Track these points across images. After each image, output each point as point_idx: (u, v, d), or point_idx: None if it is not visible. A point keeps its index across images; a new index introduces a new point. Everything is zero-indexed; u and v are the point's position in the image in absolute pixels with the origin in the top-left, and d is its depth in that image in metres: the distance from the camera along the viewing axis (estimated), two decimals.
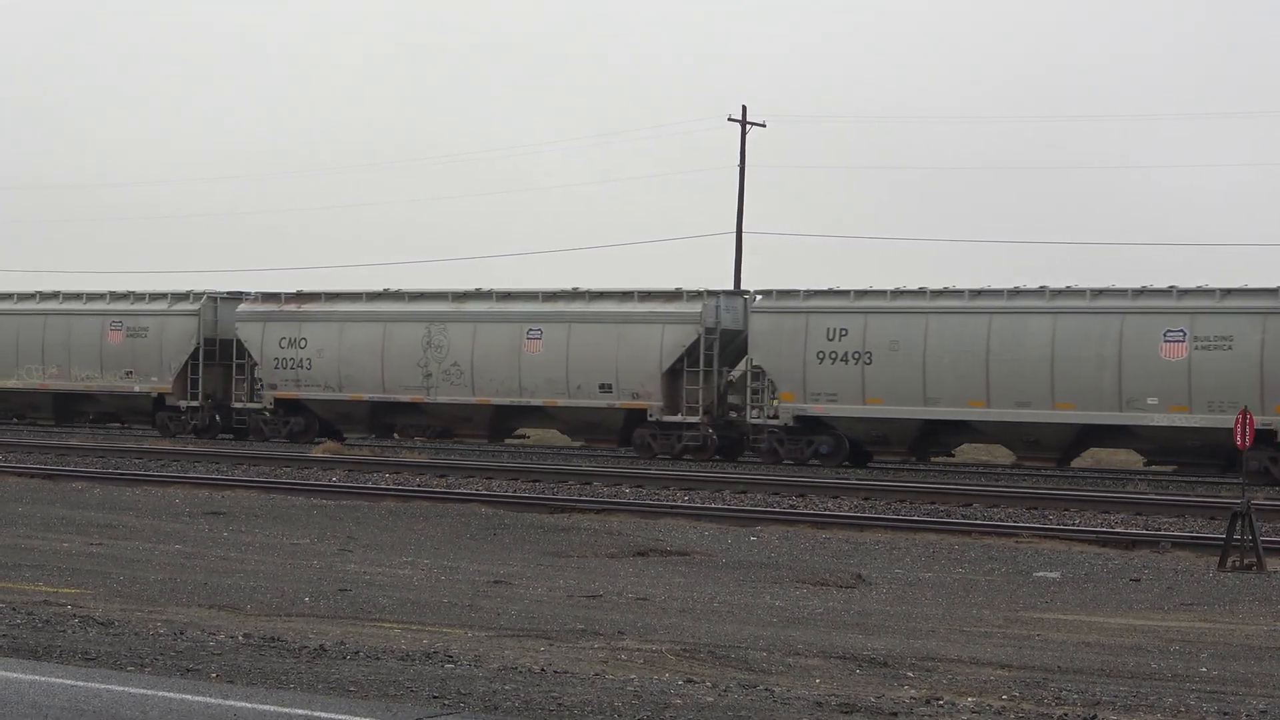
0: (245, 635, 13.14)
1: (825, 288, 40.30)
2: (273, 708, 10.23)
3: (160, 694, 10.61)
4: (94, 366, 49.69)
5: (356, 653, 12.33)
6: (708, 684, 11.37)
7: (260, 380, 47.22)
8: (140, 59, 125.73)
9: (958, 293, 38.89)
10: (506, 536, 23.99)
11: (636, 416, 41.90)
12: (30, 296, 51.64)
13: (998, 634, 15.18)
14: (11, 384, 51.33)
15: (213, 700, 10.44)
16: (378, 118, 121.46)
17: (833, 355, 39.54)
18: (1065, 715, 10.53)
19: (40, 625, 13.48)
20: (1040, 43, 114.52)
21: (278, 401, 46.73)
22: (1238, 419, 23.10)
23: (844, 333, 39.50)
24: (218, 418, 48.17)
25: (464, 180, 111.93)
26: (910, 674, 12.28)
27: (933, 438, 40.02)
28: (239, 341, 47.41)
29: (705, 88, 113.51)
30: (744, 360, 42.05)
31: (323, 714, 10.06)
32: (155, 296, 49.32)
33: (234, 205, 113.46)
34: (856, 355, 39.31)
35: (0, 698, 10.41)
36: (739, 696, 10.91)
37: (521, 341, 43.11)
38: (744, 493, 30.58)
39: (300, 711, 10.12)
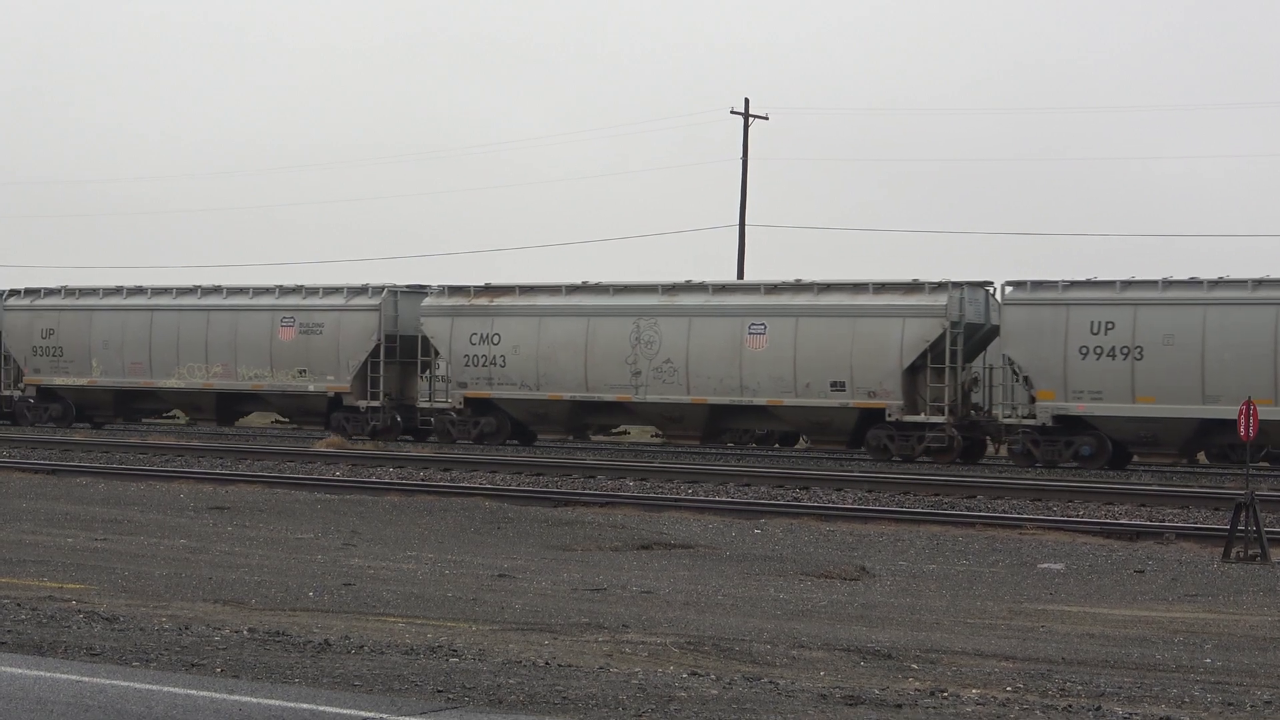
0: (250, 630, 13.15)
1: (1084, 278, 37.90)
2: (277, 702, 10.23)
3: (165, 689, 10.62)
4: (263, 365, 47.25)
5: (361, 647, 12.34)
6: (712, 677, 11.37)
7: (448, 379, 44.61)
8: (138, 55, 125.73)
9: (1239, 283, 36.42)
10: (510, 530, 23.99)
11: (871, 416, 39.52)
12: (190, 291, 49.36)
13: (1002, 626, 15.18)
14: (172, 384, 48.78)
15: (218, 695, 10.45)
16: (379, 111, 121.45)
17: (1097, 350, 37.15)
18: (1070, 707, 10.53)
19: (44, 621, 13.49)
20: (1042, 34, 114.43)
21: (467, 401, 43.95)
22: (1241, 410, 23.07)
23: (1110, 326, 37.08)
24: (398, 418, 45.84)
25: (466, 174, 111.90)
26: (915, 666, 12.29)
27: (1207, 438, 37.95)
28: (424, 338, 44.90)
29: (707, 81, 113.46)
30: (980, 356, 40.03)
31: (327, 708, 10.06)
32: (330, 290, 46.97)
33: (234, 200, 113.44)
34: (1125, 350, 36.94)
35: (5, 694, 10.42)
36: (743, 689, 10.91)
37: (743, 337, 40.43)
38: (748, 485, 30.59)
39: (305, 706, 10.13)
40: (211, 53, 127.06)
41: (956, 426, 38.83)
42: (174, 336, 48.67)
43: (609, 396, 42.08)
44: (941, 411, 38.72)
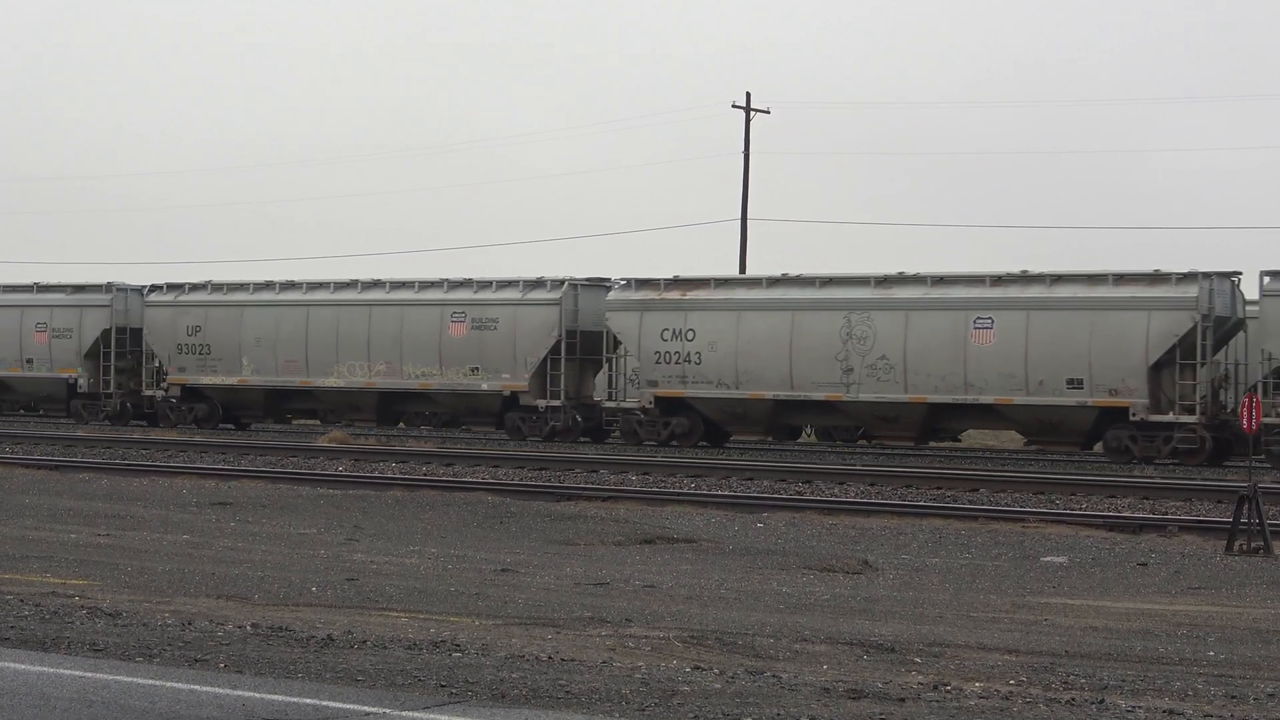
0: (253, 625, 13.16)
1: None
2: (281, 697, 10.24)
3: (168, 684, 10.62)
4: (431, 363, 44.80)
5: (364, 642, 12.34)
6: (715, 671, 11.38)
7: (635, 376, 41.99)
8: (138, 54, 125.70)
9: None
10: (513, 525, 24.00)
11: (1109, 416, 37.27)
12: (349, 285, 46.82)
13: (1005, 619, 15.18)
14: (330, 382, 46.29)
15: (221, 690, 10.45)
16: (379, 109, 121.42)
17: None
18: (1073, 700, 10.53)
19: (48, 616, 13.50)
20: (1046, 27, 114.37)
21: (657, 400, 41.43)
22: (1244, 403, 23.06)
23: None
24: (579, 418, 43.46)
25: (466, 170, 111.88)
26: (917, 660, 12.29)
27: None
28: (609, 333, 42.56)
29: (708, 75, 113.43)
30: (1222, 351, 37.63)
31: (331, 703, 10.07)
32: (503, 284, 44.53)
33: (233, 196, 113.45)
34: None
35: (9, 689, 10.42)
36: (746, 683, 10.92)
37: (968, 331, 38.10)
38: (750, 479, 30.59)
39: (308, 701, 10.13)
40: (211, 52, 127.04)
41: (1206, 427, 36.58)
42: (333, 333, 46.27)
43: (817, 395, 39.62)
44: (1191, 410, 36.53)
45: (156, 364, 49.78)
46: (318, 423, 51.01)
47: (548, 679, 10.88)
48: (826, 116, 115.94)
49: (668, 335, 41.38)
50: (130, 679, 10.80)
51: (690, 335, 41.09)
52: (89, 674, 10.98)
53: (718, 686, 10.77)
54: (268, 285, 48.22)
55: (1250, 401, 22.96)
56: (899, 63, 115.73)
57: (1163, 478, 31.74)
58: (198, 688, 10.53)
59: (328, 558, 19.46)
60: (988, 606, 16.18)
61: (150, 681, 10.72)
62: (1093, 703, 10.45)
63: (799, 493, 28.61)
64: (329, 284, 47.18)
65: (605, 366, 43.49)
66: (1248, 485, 21.03)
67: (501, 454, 36.11)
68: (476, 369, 44.30)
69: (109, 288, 50.70)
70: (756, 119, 63.14)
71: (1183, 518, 24.18)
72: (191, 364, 48.81)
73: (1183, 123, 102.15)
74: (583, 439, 43.32)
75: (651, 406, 41.54)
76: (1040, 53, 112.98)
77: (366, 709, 9.93)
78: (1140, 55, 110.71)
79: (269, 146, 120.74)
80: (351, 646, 12.16)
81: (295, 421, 52.17)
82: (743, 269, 60.38)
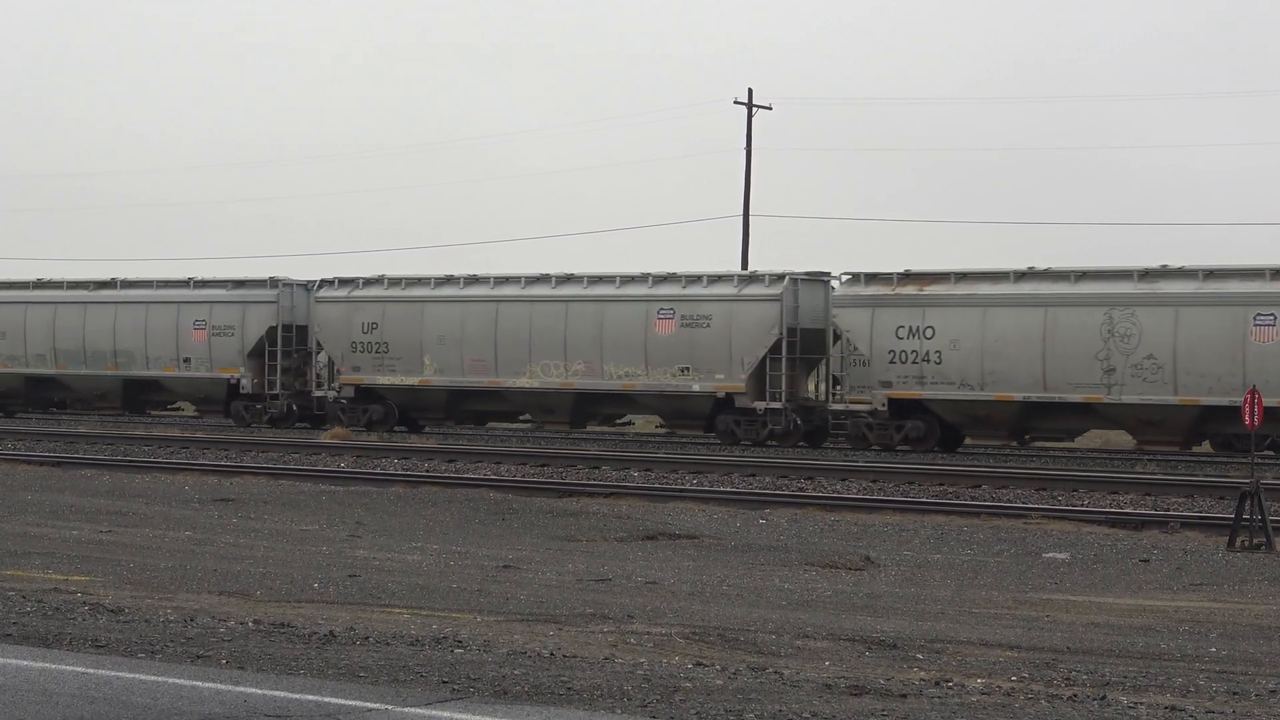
0: (255, 621, 13.16)
1: None
2: (283, 694, 10.24)
3: (171, 681, 10.62)
4: (636, 362, 41.78)
5: (366, 638, 12.35)
6: (717, 667, 11.38)
7: (863, 376, 39.31)
8: (137, 53, 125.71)
9: None
10: (515, 521, 24.00)
11: None
12: (542, 279, 43.77)
13: (1007, 615, 15.18)
14: (522, 383, 43.38)
15: (223, 686, 10.46)
16: (379, 107, 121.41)
17: None
18: (1074, 696, 10.53)
19: (50, 613, 13.51)
20: (1046, 24, 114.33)
21: (891, 402, 38.83)
22: (1245, 399, 23.05)
23: None
24: (799, 421, 40.48)
25: (467, 168, 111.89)
26: (919, 656, 12.29)
27: None
28: (837, 330, 39.94)
29: (710, 72, 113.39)
30: None
31: (333, 699, 10.07)
32: (715, 278, 41.60)
33: (226, 194, 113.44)
34: None
35: (11, 685, 10.43)
36: (748, 679, 10.92)
37: (1246, 329, 35.72)
38: (752, 476, 30.58)
39: (310, 697, 10.14)
40: (211, 51, 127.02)
41: None
42: (525, 330, 43.26)
43: (1073, 397, 37.04)
44: None
45: (327, 363, 47.13)
46: (500, 425, 48.33)
47: (550, 675, 10.88)
48: (828, 113, 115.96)
49: (903, 333, 38.76)
50: (132, 675, 10.81)
51: (929, 333, 38.53)
52: (91, 670, 10.99)
53: (720, 683, 10.77)
54: (449, 280, 45.11)
55: (1252, 398, 22.94)
56: (901, 59, 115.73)
57: (1164, 474, 31.73)
58: (200, 684, 10.53)
59: (330, 554, 19.47)
60: (990, 603, 16.18)
61: (152, 678, 10.73)
62: (1094, 699, 10.45)
63: (801, 489, 28.61)
64: (519, 278, 44.10)
65: (825, 366, 40.90)
66: (1250, 482, 21.02)
67: (504, 450, 36.10)
68: (687, 369, 41.27)
69: (274, 283, 47.92)
70: (758, 115, 63.14)
71: (1184, 514, 24.17)
72: (367, 363, 45.72)
73: (1183, 119, 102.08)
74: (799, 444, 40.59)
75: (884, 409, 38.98)
76: (1041, 50, 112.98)
77: (369, 705, 9.93)
78: (1140, 52, 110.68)
79: (269, 145, 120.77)
80: (353, 643, 12.16)
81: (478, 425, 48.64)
82: (744, 265, 60.36)
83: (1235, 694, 10.87)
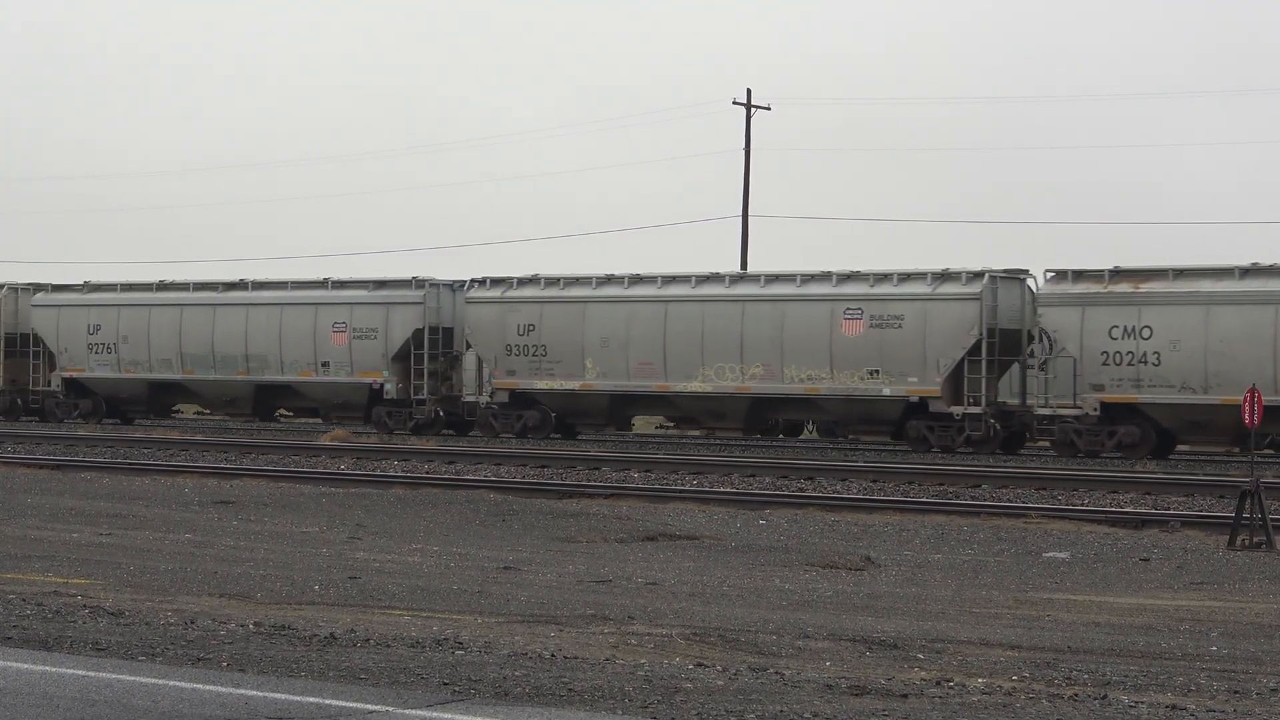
0: (256, 624, 13.16)
1: None
2: (284, 696, 10.24)
3: (171, 683, 10.62)
4: (819, 365, 39.61)
5: (367, 640, 12.34)
6: (718, 668, 11.37)
7: (1072, 379, 37.26)
8: (137, 51, 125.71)
9: None
10: (515, 522, 24.00)
11: None
12: (714, 278, 41.68)
13: (1007, 615, 15.18)
14: (694, 387, 41.15)
15: (224, 689, 10.45)
16: (379, 105, 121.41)
17: None
18: (1075, 696, 10.53)
19: (50, 616, 13.50)
20: (1045, 24, 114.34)
21: (1103, 406, 36.69)
22: (1245, 397, 23.05)
23: None
24: (998, 426, 38.38)
25: (466, 167, 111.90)
26: (920, 656, 12.29)
27: None
28: (1041, 331, 38.00)
29: (710, 72, 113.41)
30: None
31: (334, 701, 10.07)
32: (906, 276, 39.38)
33: (231, 195, 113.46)
34: None
35: (11, 689, 10.42)
36: (749, 680, 10.92)
37: None
38: (752, 476, 30.58)
39: (311, 699, 10.13)
40: (211, 49, 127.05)
41: None
42: (698, 331, 41.07)
43: None
44: None
45: (476, 367, 45.09)
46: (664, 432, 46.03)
47: (550, 677, 10.88)
48: (827, 113, 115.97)
49: (1117, 333, 36.73)
50: (133, 678, 10.81)
51: (1146, 333, 36.45)
52: (91, 673, 10.98)
53: (720, 684, 10.77)
54: (612, 279, 42.86)
55: (1252, 396, 22.94)
56: (900, 59, 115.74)
57: (1165, 473, 31.73)
58: (200, 686, 10.53)
59: (330, 556, 19.46)
60: (990, 602, 16.18)
61: (153, 680, 10.73)
62: (1095, 698, 10.45)
63: (801, 489, 28.61)
64: (689, 277, 41.96)
65: (1020, 368, 39.08)
66: (1250, 480, 21.03)
67: (504, 451, 36.09)
68: (876, 372, 39.04)
69: (419, 282, 45.81)
70: (757, 116, 63.15)
71: (1185, 513, 24.18)
72: (523, 367, 43.45)
73: (1183, 119, 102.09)
74: (995, 451, 38.42)
75: (1095, 413, 36.89)
76: (1041, 50, 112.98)
77: (369, 707, 9.93)
78: (1141, 52, 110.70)
79: (266, 144, 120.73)
80: (354, 645, 12.16)
81: (632, 430, 46.84)
82: (744, 265, 60.37)
83: (1236, 693, 10.87)
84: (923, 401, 38.66)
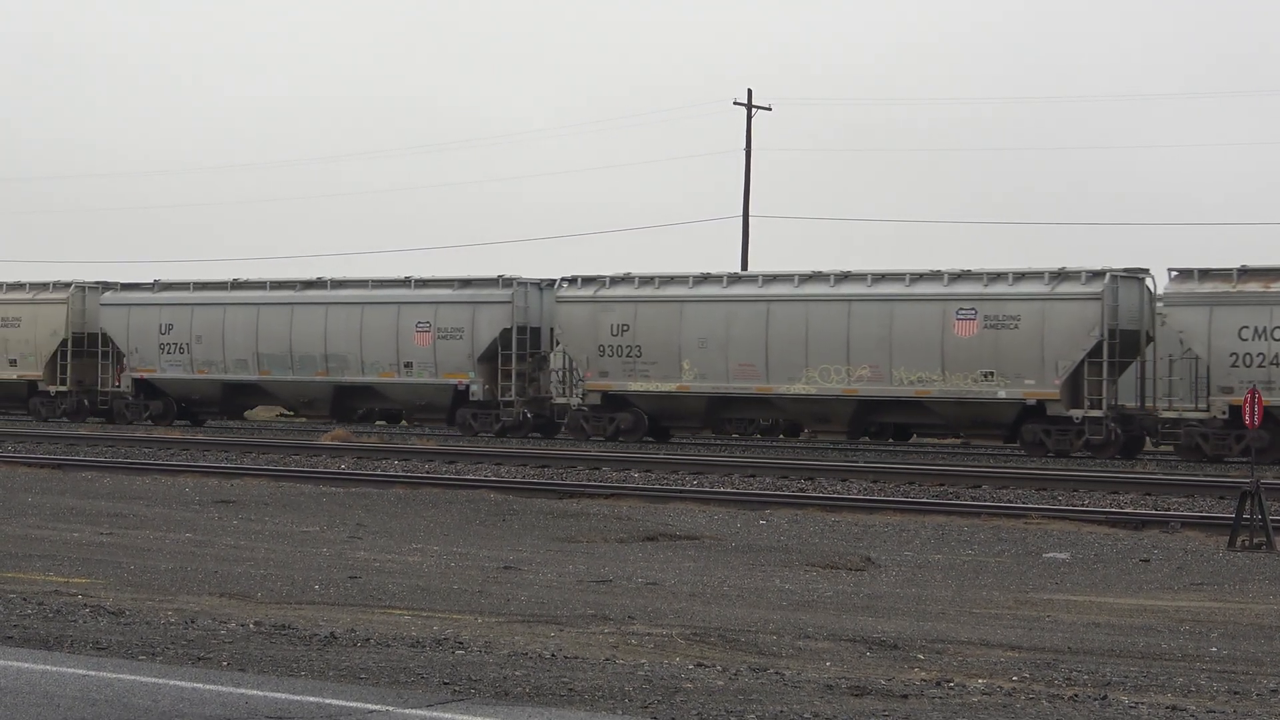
0: (256, 623, 13.17)
1: None
2: (284, 695, 10.24)
3: (172, 683, 10.63)
4: (930, 366, 38.38)
5: (367, 640, 12.35)
6: (718, 668, 11.38)
7: (1205, 381, 36.10)
8: (137, 49, 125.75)
9: None
10: (516, 522, 24.01)
11: None
12: (818, 277, 40.22)
13: (1008, 615, 15.19)
14: (797, 389, 39.79)
15: (224, 688, 10.46)
16: (379, 104, 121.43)
17: None
18: (1076, 696, 10.54)
19: (51, 615, 13.51)
20: (1046, 25, 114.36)
21: (1232, 409, 35.00)
22: (1246, 398, 23.06)
23: None
24: (1119, 431, 37.13)
25: (466, 167, 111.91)
26: (920, 656, 12.29)
27: None
28: (1172, 331, 36.75)
29: (710, 72, 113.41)
30: None
31: (334, 701, 10.07)
32: (1022, 275, 38.17)
33: (227, 194, 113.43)
34: None
35: (12, 688, 10.43)
36: (749, 680, 10.92)
37: None
38: (753, 476, 30.59)
39: (311, 699, 10.14)
40: (210, 48, 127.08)
41: None
42: (801, 332, 39.70)
43: None
44: None
45: (565, 367, 43.87)
46: (758, 436, 45.10)
47: (551, 676, 10.89)
48: (828, 113, 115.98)
49: (1247, 334, 35.48)
50: (133, 677, 10.81)
51: (1279, 334, 35.39)
52: (92, 672, 10.99)
53: (721, 684, 10.77)
54: (709, 277, 41.58)
55: (1253, 397, 22.95)
56: (901, 61, 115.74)
57: (1165, 474, 31.73)
58: (201, 686, 10.53)
59: (330, 556, 19.47)
60: (990, 603, 16.18)
61: (153, 680, 10.73)
62: (1095, 699, 10.45)
63: (802, 490, 28.61)
64: (792, 276, 40.58)
65: (1140, 369, 37.93)
66: (1250, 481, 21.03)
67: (504, 451, 36.11)
68: (990, 374, 37.79)
69: (506, 281, 44.52)
70: (758, 116, 63.15)
71: (1185, 514, 24.18)
72: (616, 368, 42.08)
73: (1184, 119, 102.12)
74: (1115, 456, 37.10)
75: (1223, 416, 35.53)
76: (1041, 49, 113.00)
77: (370, 707, 9.93)
78: (1140, 51, 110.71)
79: (267, 144, 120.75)
80: (354, 644, 12.17)
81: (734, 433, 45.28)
82: (744, 266, 60.38)
83: (1236, 693, 10.87)
84: (1040, 405, 37.48)
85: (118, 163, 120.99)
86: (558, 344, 43.84)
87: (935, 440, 43.75)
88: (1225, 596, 17.02)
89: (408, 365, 45.38)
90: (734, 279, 41.40)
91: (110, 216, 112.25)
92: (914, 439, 44.93)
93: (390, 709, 9.89)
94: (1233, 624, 14.77)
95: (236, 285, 48.90)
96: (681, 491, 27.83)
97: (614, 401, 42.48)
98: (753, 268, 57.69)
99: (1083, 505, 25.79)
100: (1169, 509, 25.18)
